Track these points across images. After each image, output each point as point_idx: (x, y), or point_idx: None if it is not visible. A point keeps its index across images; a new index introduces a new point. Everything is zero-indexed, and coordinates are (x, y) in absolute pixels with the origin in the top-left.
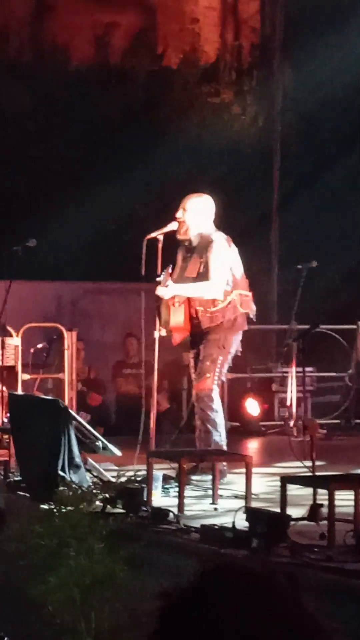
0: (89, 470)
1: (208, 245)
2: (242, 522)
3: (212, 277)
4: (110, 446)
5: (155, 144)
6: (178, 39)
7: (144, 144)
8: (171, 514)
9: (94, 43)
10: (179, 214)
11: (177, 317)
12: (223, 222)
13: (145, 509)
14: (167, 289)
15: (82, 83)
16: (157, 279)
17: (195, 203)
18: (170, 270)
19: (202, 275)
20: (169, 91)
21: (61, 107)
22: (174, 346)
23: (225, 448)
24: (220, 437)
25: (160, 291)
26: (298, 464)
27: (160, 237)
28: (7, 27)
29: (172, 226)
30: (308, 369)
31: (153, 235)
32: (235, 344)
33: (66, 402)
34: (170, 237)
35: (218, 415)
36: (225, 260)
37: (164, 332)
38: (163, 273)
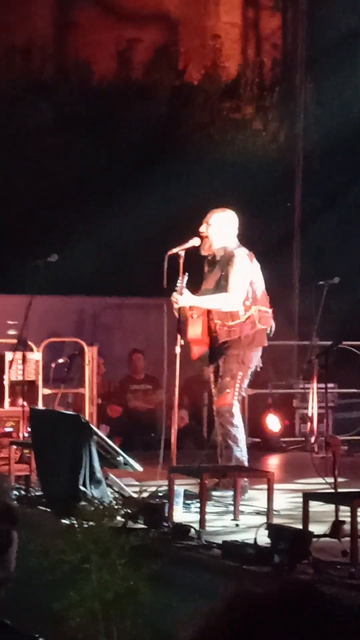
0: (110, 486)
1: (230, 259)
2: (264, 539)
3: (230, 289)
4: (132, 461)
5: (177, 160)
6: (200, 54)
7: (166, 159)
8: (193, 530)
9: (116, 58)
10: (202, 229)
11: (195, 330)
12: (245, 239)
13: (166, 524)
14: (182, 297)
15: (104, 98)
16: (177, 287)
17: (219, 218)
18: (185, 279)
19: (221, 288)
20: (191, 107)
21: (83, 122)
22: (193, 360)
23: (246, 464)
24: (241, 452)
25: (175, 297)
26: (319, 480)
27: (182, 253)
28: (30, 43)
29: (194, 242)
30: (330, 385)
31: (174, 250)
32: (255, 360)
33: (87, 417)
34: (192, 253)
35: (239, 430)
36: (246, 274)
37: (178, 350)
38: (179, 281)
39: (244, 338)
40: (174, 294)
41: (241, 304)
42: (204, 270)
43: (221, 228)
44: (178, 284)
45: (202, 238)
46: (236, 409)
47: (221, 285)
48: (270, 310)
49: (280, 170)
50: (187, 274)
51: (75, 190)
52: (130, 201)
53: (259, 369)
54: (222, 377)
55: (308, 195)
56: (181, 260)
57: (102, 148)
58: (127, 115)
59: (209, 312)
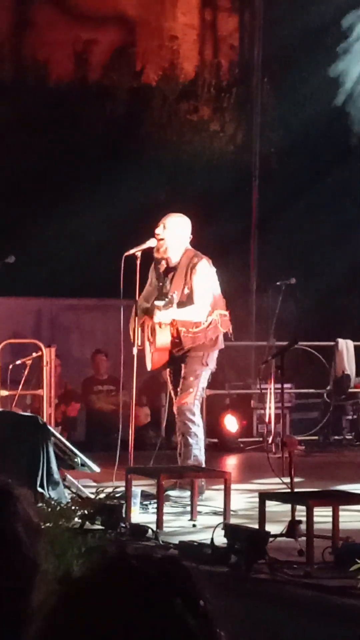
0: (67, 487)
1: (193, 267)
2: (220, 539)
3: (197, 301)
4: (89, 462)
5: (134, 161)
6: (157, 55)
7: (123, 160)
8: (150, 531)
9: (73, 59)
10: (158, 230)
11: (164, 338)
12: (201, 239)
13: (124, 525)
14: (164, 313)
15: (61, 99)
16: (157, 302)
17: (176, 222)
18: (175, 297)
19: (188, 298)
20: (148, 108)
21: (41, 122)
22: (153, 369)
23: (203, 464)
24: (199, 451)
25: (159, 316)
26: (276, 480)
27: (139, 254)
28: None
29: (151, 243)
30: (286, 385)
31: (131, 252)
32: (213, 362)
33: (45, 419)
34: (148, 254)
35: (199, 429)
36: (210, 283)
37: (135, 351)
38: (166, 299)
39: (208, 341)
40: (157, 312)
41: (206, 315)
42: (150, 273)
43: (177, 232)
44: (163, 302)
45: (157, 240)
46: (197, 408)
47: (188, 295)
48: (227, 313)
49: (237, 170)
50: (176, 292)
51: (32, 190)
52: (88, 202)
53: (214, 370)
54: (184, 377)
55: (265, 195)
56: (138, 262)
57: (59, 148)
58: (85, 115)
59: (173, 320)
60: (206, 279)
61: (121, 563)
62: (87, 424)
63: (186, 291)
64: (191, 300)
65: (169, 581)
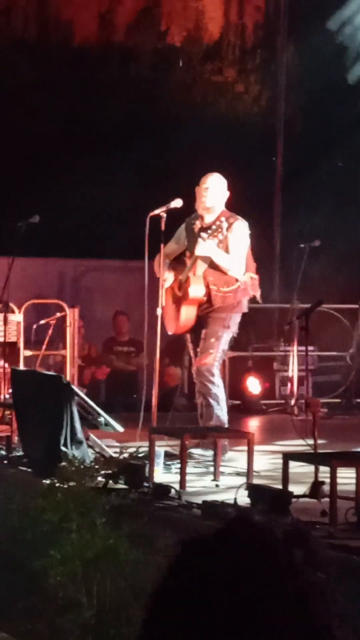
0: (90, 446)
1: (229, 226)
2: (244, 499)
3: (234, 257)
4: (113, 422)
5: (158, 122)
6: (182, 16)
7: (147, 121)
8: (173, 490)
9: (98, 20)
10: (205, 187)
11: (199, 290)
12: (227, 201)
13: (147, 485)
14: (208, 244)
15: (85, 60)
16: (203, 234)
17: (217, 181)
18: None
19: None
20: (173, 69)
21: (65, 83)
22: (178, 327)
23: (226, 424)
24: (222, 411)
25: (201, 245)
26: (298, 442)
27: (164, 214)
28: (11, 2)
29: (176, 203)
30: (310, 348)
31: (156, 212)
32: (236, 325)
33: (68, 379)
34: (174, 213)
35: (219, 389)
36: (246, 244)
37: (159, 311)
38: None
39: (236, 303)
40: (203, 235)
41: (242, 273)
42: (182, 231)
43: (217, 191)
44: (207, 235)
45: (196, 198)
46: (216, 370)
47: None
48: (257, 277)
49: (262, 132)
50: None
51: (57, 150)
52: (112, 162)
53: (235, 335)
54: (205, 338)
55: (290, 157)
56: (163, 222)
57: (83, 109)
58: (109, 76)
59: (206, 276)
60: (243, 237)
61: (244, 522)
62: (107, 385)
63: (221, 248)
64: None
65: (290, 536)
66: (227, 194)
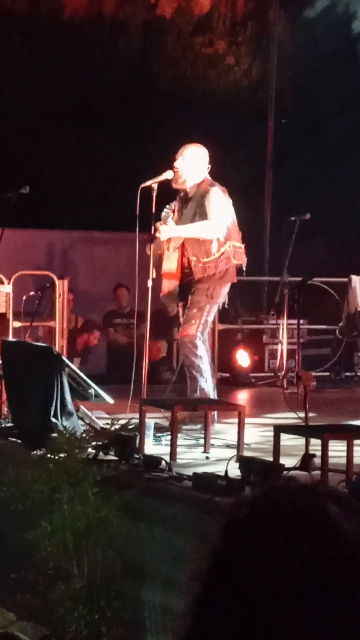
0: (81, 418)
1: (205, 194)
2: (234, 471)
3: (211, 217)
4: (103, 394)
5: (149, 95)
6: None
7: (138, 94)
8: (163, 462)
9: None
10: (177, 163)
11: (170, 264)
12: (216, 175)
13: (137, 456)
14: (166, 227)
15: (76, 33)
16: (163, 214)
17: (193, 152)
18: (173, 208)
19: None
20: (163, 41)
21: (55, 56)
22: (162, 296)
23: (212, 395)
24: (206, 383)
25: (161, 229)
26: (288, 415)
27: (155, 186)
28: None
29: (167, 175)
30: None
31: (148, 183)
32: (223, 296)
33: (57, 350)
34: (165, 186)
35: (203, 361)
36: (224, 205)
37: (154, 274)
38: (166, 209)
39: (218, 273)
40: (158, 224)
41: (223, 231)
42: (174, 205)
43: (195, 163)
44: (163, 214)
45: (175, 172)
46: (199, 341)
47: (196, 221)
48: (243, 246)
49: (252, 106)
50: (173, 203)
51: (48, 123)
52: (103, 135)
53: (226, 306)
54: (189, 308)
55: (280, 131)
56: (154, 194)
57: (74, 82)
58: (99, 49)
59: (183, 247)
60: (219, 200)
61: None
62: (108, 357)
63: (197, 219)
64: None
65: (324, 492)
66: (205, 163)
